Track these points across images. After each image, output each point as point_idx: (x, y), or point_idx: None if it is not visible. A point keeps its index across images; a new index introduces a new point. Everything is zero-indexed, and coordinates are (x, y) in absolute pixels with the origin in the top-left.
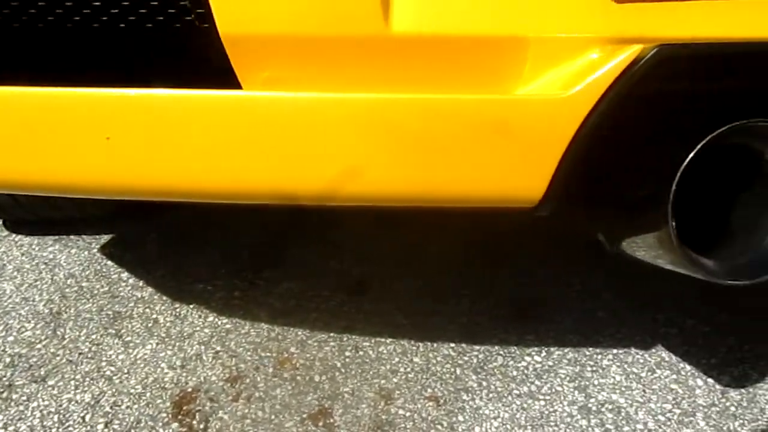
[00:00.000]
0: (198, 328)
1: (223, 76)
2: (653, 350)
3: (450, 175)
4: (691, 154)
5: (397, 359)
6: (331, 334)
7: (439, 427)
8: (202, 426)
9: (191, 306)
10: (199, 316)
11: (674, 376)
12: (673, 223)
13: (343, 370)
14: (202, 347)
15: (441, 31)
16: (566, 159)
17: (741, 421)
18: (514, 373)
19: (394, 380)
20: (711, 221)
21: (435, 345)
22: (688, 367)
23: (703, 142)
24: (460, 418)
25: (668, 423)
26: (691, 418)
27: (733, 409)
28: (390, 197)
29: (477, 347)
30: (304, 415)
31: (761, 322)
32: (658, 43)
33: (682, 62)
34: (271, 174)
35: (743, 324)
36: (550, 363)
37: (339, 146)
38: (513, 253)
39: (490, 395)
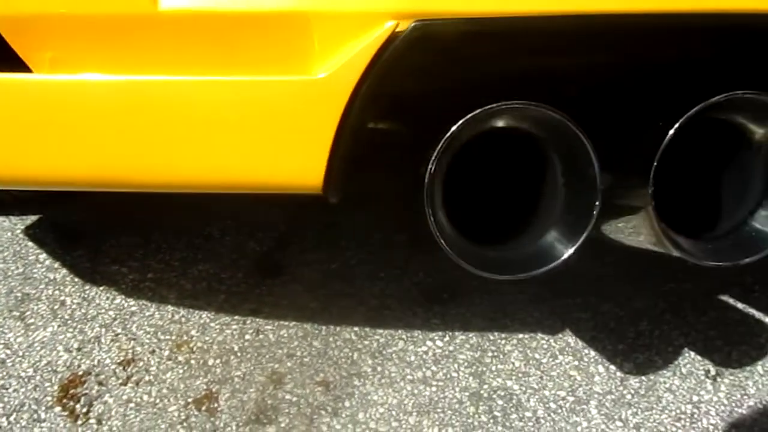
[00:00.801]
0: (103, 311)
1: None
2: (560, 335)
3: (227, 162)
4: (671, 133)
5: (296, 343)
6: (236, 317)
7: (323, 412)
8: (84, 410)
9: (101, 288)
10: (107, 298)
11: (575, 363)
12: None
13: (239, 354)
14: (103, 330)
15: (210, 8)
16: (341, 140)
17: (634, 410)
18: (412, 358)
19: (289, 364)
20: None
21: (338, 329)
22: (593, 353)
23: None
24: (347, 403)
25: (558, 411)
26: (584, 406)
27: (629, 397)
28: (172, 184)
29: (380, 331)
30: (189, 400)
31: (679, 307)
32: (416, 19)
33: (445, 38)
34: (65, 159)
35: (660, 309)
36: (451, 348)
37: (117, 131)
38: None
39: (383, 381)
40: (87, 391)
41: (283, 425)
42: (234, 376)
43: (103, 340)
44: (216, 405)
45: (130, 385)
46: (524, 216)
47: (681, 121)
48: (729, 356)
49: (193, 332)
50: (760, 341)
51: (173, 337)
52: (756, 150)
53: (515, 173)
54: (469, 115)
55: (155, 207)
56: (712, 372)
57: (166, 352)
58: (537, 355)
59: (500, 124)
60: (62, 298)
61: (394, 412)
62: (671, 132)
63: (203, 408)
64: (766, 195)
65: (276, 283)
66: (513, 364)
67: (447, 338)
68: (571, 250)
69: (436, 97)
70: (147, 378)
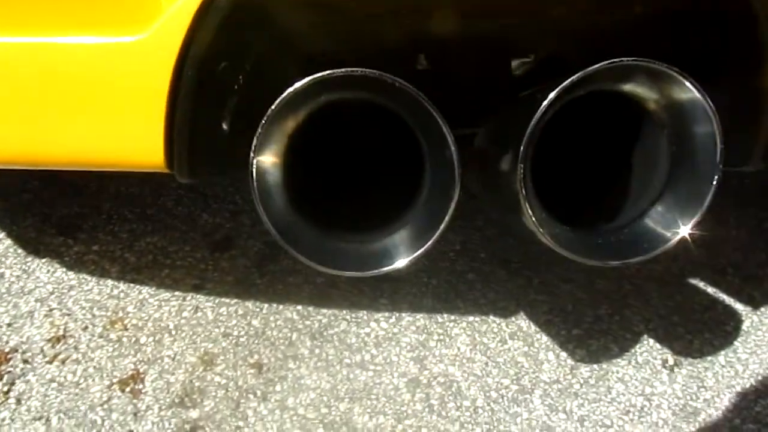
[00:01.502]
0: (41, 284)
1: None
2: (513, 319)
3: (53, 136)
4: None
5: (234, 322)
6: (176, 293)
7: (252, 396)
8: (5, 389)
9: (43, 260)
10: (48, 271)
11: (525, 348)
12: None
13: (173, 333)
14: (38, 304)
15: None
16: (179, 110)
17: (581, 401)
18: (353, 340)
19: (223, 344)
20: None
21: (280, 308)
22: (545, 339)
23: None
24: (278, 387)
25: (499, 400)
26: (527, 396)
27: (577, 387)
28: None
29: (324, 311)
30: (114, 380)
31: (644, 290)
32: None
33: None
34: None
35: (623, 292)
36: (396, 330)
37: None
38: None
39: (319, 364)
40: (11, 369)
41: (207, 409)
42: (164, 355)
43: (36, 315)
44: (141, 386)
45: (56, 363)
46: (387, 206)
47: (553, 94)
48: (690, 345)
49: (129, 308)
50: (726, 329)
51: (108, 313)
52: (659, 130)
53: (385, 153)
54: (303, 82)
55: (110, 174)
56: (670, 362)
57: (99, 329)
58: (485, 340)
59: (349, 95)
60: (1, 270)
61: (325, 398)
62: (543, 105)
63: (127, 389)
64: (668, 184)
65: (224, 258)
66: (458, 348)
67: (393, 320)
68: (406, 261)
69: (273, 59)
70: (75, 356)
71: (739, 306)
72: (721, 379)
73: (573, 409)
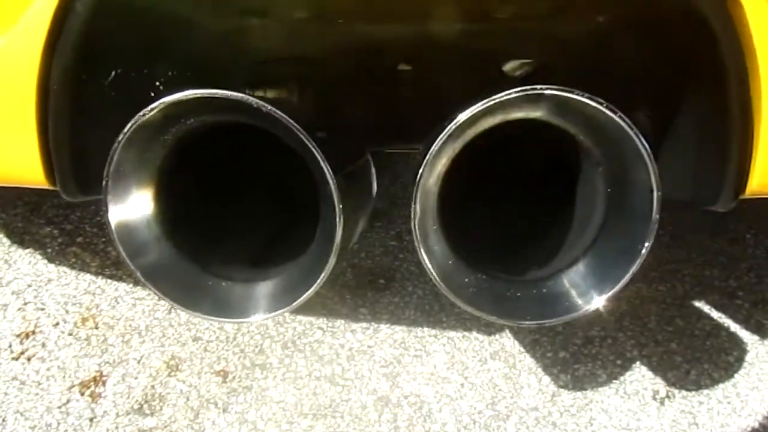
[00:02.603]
0: (21, 276)
1: None
2: (497, 336)
3: None
4: None
5: (206, 325)
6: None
7: (212, 406)
8: None
9: (27, 251)
10: (29, 263)
11: (506, 370)
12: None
13: (143, 333)
14: (14, 297)
15: None
16: (55, 119)
17: (562, 430)
18: (326, 351)
19: (192, 349)
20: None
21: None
22: (528, 361)
23: None
24: (240, 398)
25: (470, 426)
26: (501, 423)
27: (556, 416)
28: None
29: (300, 318)
30: (76, 382)
31: (642, 312)
32: None
33: None
34: None
35: (619, 312)
36: (371, 343)
37: None
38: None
39: (287, 375)
40: None
41: (164, 418)
42: (130, 357)
43: (10, 309)
44: (101, 390)
45: (21, 360)
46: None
47: (452, 125)
48: (686, 376)
49: (103, 305)
50: (728, 360)
51: (82, 310)
52: (594, 168)
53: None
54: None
55: None
56: (662, 393)
57: (70, 326)
58: (464, 359)
59: (222, 118)
60: None
61: (288, 413)
62: (442, 136)
63: (87, 392)
64: (602, 232)
65: None
66: (435, 366)
67: (370, 331)
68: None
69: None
70: (41, 354)
71: (745, 334)
72: (716, 416)
73: None
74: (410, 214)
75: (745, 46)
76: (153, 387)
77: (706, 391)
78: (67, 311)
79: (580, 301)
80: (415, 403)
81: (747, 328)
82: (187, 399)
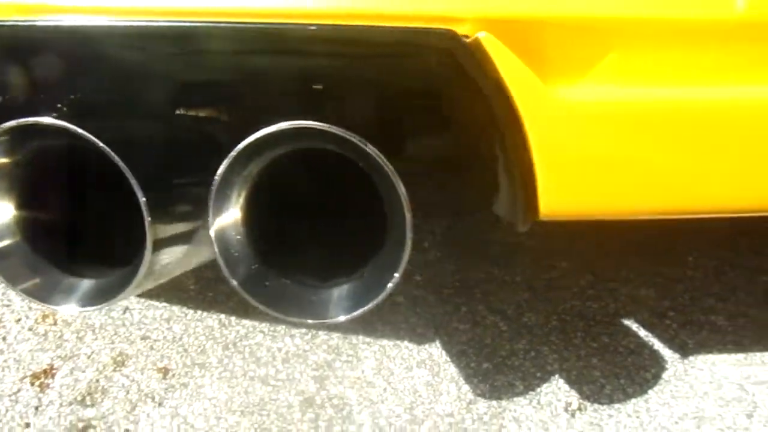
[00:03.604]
0: None
1: None
2: (427, 346)
3: None
4: None
5: (156, 325)
6: None
7: (149, 400)
8: None
9: None
10: None
11: (429, 378)
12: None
13: (97, 331)
14: None
15: None
16: None
17: None
18: (263, 353)
19: (139, 346)
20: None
21: (204, 314)
22: (452, 370)
23: None
24: (177, 394)
25: (386, 429)
26: (416, 427)
27: (469, 422)
28: None
29: (245, 322)
30: (29, 373)
31: (571, 327)
32: None
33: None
34: None
35: (549, 327)
36: (307, 347)
37: None
38: None
39: (223, 374)
40: None
41: (103, 409)
42: (81, 353)
43: None
44: (50, 381)
45: None
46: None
47: (222, 168)
48: (601, 390)
49: None
50: (645, 376)
51: (43, 307)
52: (374, 187)
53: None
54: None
55: None
56: (574, 405)
57: (30, 322)
58: (392, 365)
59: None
60: None
61: (218, 409)
62: (222, 168)
63: (36, 384)
64: (379, 251)
65: None
66: (363, 371)
67: (308, 336)
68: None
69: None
70: (0, 347)
71: (667, 352)
72: (623, 429)
73: None
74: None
75: (505, 90)
76: (98, 381)
77: (617, 405)
78: (30, 308)
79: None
80: (338, 405)
81: (670, 347)
82: (127, 392)
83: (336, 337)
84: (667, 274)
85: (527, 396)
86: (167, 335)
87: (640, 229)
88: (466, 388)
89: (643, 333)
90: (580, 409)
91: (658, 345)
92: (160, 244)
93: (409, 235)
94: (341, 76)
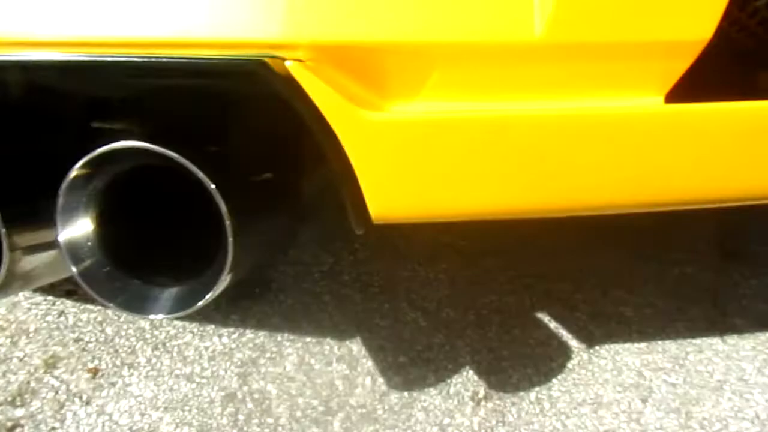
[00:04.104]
0: None
1: None
2: (347, 342)
3: None
4: None
5: (89, 328)
6: (48, 297)
7: (77, 400)
8: None
9: None
10: None
11: (347, 372)
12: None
13: (31, 335)
14: None
15: None
16: None
17: (377, 427)
18: (191, 352)
19: (72, 349)
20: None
21: (136, 317)
22: (369, 364)
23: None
24: (104, 393)
25: (302, 420)
26: (329, 418)
27: (380, 413)
28: None
29: (175, 323)
30: None
31: (487, 322)
32: None
33: None
34: None
35: (466, 322)
36: (233, 346)
37: None
38: None
39: (151, 373)
40: None
41: (32, 409)
42: (14, 356)
43: None
44: None
45: None
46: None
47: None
48: (508, 379)
49: (1, 311)
50: (551, 366)
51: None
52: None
53: None
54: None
55: None
56: (481, 395)
57: None
58: (313, 361)
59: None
60: None
61: (143, 406)
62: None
63: None
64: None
65: None
66: (285, 367)
67: (235, 335)
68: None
69: None
70: None
71: (574, 343)
72: (524, 415)
73: None
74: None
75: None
76: (28, 382)
77: (521, 393)
78: None
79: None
80: (258, 399)
81: (578, 338)
82: (56, 393)
83: (262, 336)
84: (583, 269)
85: (437, 387)
86: (99, 337)
87: (565, 227)
88: (380, 380)
89: (553, 325)
90: (485, 398)
91: (566, 336)
92: (27, 251)
93: (230, 243)
94: (157, 98)
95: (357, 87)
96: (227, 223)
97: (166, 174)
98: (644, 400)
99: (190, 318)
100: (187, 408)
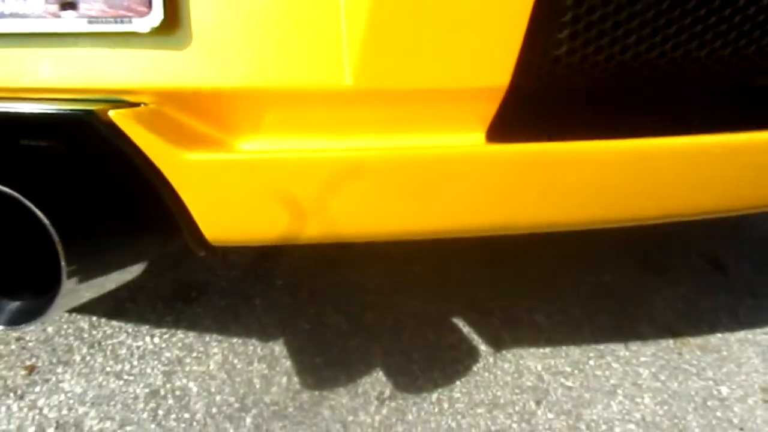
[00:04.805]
0: None
1: None
2: (270, 343)
3: None
4: None
5: (32, 327)
6: None
7: (11, 394)
8: None
9: None
10: None
11: (266, 371)
12: None
13: None
14: None
15: None
16: None
17: (285, 423)
18: (124, 351)
19: (13, 347)
20: None
21: (78, 317)
22: (288, 364)
23: None
24: (37, 389)
25: (216, 416)
26: (242, 414)
27: (291, 410)
28: None
29: (113, 323)
30: None
31: (401, 325)
32: None
33: None
34: None
35: (384, 326)
36: (164, 345)
37: None
38: None
39: (83, 370)
40: None
41: None
42: None
43: None
44: None
45: None
46: None
47: None
48: (415, 381)
49: None
50: (457, 368)
51: None
52: None
53: None
54: None
55: None
56: (386, 395)
57: None
58: (236, 360)
59: None
60: None
61: (72, 402)
62: None
63: None
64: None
65: None
66: (209, 366)
67: (167, 335)
68: None
69: None
70: None
71: (483, 347)
72: (423, 414)
73: (274, 429)
74: None
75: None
76: None
77: (424, 394)
78: None
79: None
80: (179, 396)
81: (488, 343)
82: None
83: (192, 336)
84: (505, 278)
85: (347, 387)
86: (40, 336)
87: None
88: (295, 380)
89: (466, 330)
90: (390, 397)
91: (477, 341)
92: None
93: (63, 265)
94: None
95: (199, 127)
96: (58, 247)
97: None
98: (538, 402)
99: (127, 318)
100: (112, 403)
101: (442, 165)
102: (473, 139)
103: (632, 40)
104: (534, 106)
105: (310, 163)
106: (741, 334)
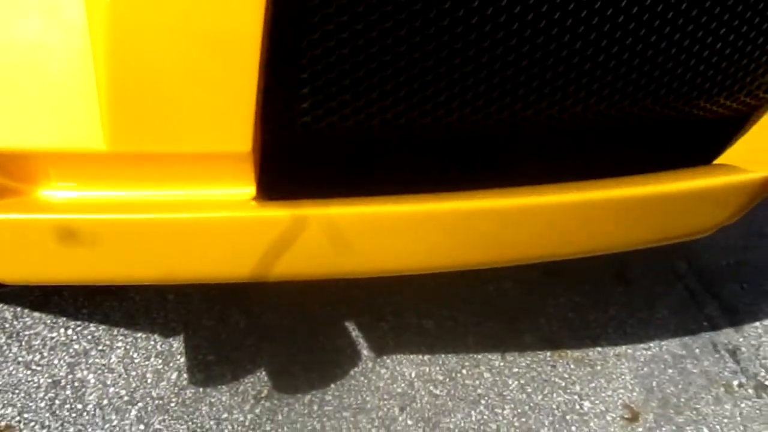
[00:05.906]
0: None
1: None
2: (171, 339)
3: None
4: None
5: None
6: None
7: None
8: None
9: None
10: None
11: (160, 367)
12: None
13: None
14: None
15: None
16: None
17: (165, 417)
18: (38, 341)
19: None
20: None
21: (3, 307)
22: (182, 360)
23: None
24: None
25: (105, 407)
26: (128, 407)
27: (173, 405)
28: None
29: (36, 314)
30: None
31: (300, 330)
32: None
33: None
34: None
35: (281, 326)
36: (75, 337)
37: None
38: None
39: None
40: None
41: None
42: None
43: None
44: None
45: None
46: None
47: None
48: (294, 382)
49: None
50: (335, 372)
51: None
52: None
53: None
54: None
55: None
56: (264, 394)
57: None
58: (135, 355)
59: None
60: None
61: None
62: None
63: None
64: None
65: None
66: (110, 359)
67: (79, 328)
68: None
69: None
70: None
71: (366, 352)
72: (292, 415)
73: (154, 423)
74: None
75: None
76: None
77: (299, 395)
78: None
79: None
80: (77, 387)
81: (372, 347)
82: None
83: (102, 329)
84: (404, 283)
85: (230, 385)
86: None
87: None
88: (185, 376)
89: (356, 334)
90: (266, 397)
91: (363, 345)
92: None
93: None
94: None
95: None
96: None
97: None
98: (402, 409)
99: (48, 310)
100: (17, 392)
101: (208, 218)
102: (243, 194)
103: (375, 109)
104: (301, 166)
105: (86, 210)
106: (621, 349)
